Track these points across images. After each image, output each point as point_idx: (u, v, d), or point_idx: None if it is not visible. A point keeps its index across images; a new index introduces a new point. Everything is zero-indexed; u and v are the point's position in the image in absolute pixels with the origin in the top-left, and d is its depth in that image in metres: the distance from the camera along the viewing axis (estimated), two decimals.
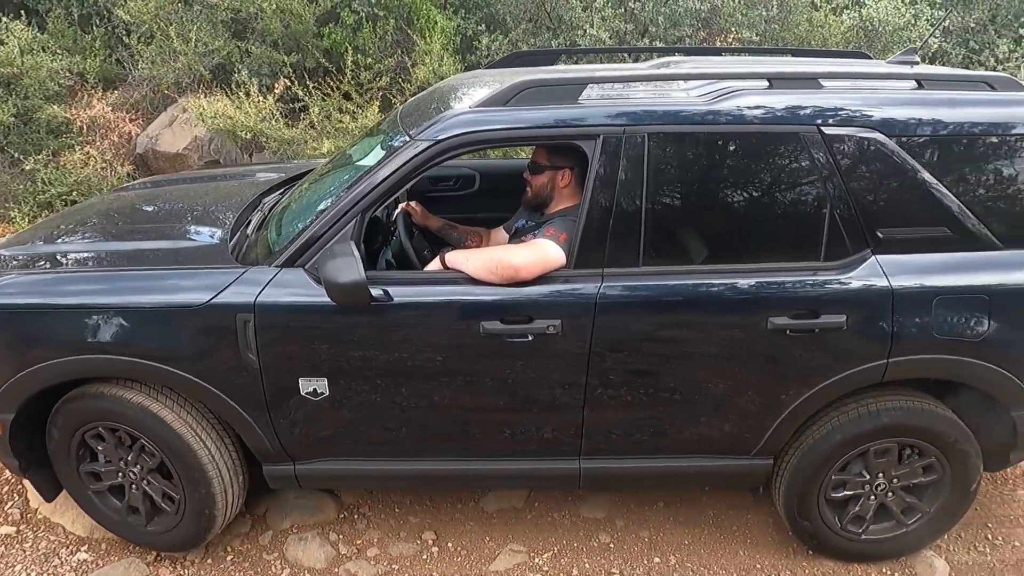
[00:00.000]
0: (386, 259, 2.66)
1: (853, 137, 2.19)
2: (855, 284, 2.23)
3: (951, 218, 2.24)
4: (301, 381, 2.30)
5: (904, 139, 2.20)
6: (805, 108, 2.20)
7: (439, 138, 2.20)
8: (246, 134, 5.01)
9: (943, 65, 5.82)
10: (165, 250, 2.51)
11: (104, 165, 5.17)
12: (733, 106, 2.19)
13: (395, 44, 6.04)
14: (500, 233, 2.96)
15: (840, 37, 5.77)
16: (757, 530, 2.84)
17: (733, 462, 2.50)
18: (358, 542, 2.77)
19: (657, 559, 2.72)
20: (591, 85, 2.31)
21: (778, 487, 2.57)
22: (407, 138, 2.27)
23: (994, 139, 2.23)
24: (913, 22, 5.66)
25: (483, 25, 6.33)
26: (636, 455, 2.49)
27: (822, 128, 2.19)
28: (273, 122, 5.07)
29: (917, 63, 2.62)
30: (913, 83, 2.32)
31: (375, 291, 2.15)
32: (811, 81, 2.26)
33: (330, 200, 2.31)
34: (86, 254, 2.61)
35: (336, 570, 2.65)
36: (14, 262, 2.53)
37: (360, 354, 2.28)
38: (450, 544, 2.77)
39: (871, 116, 2.21)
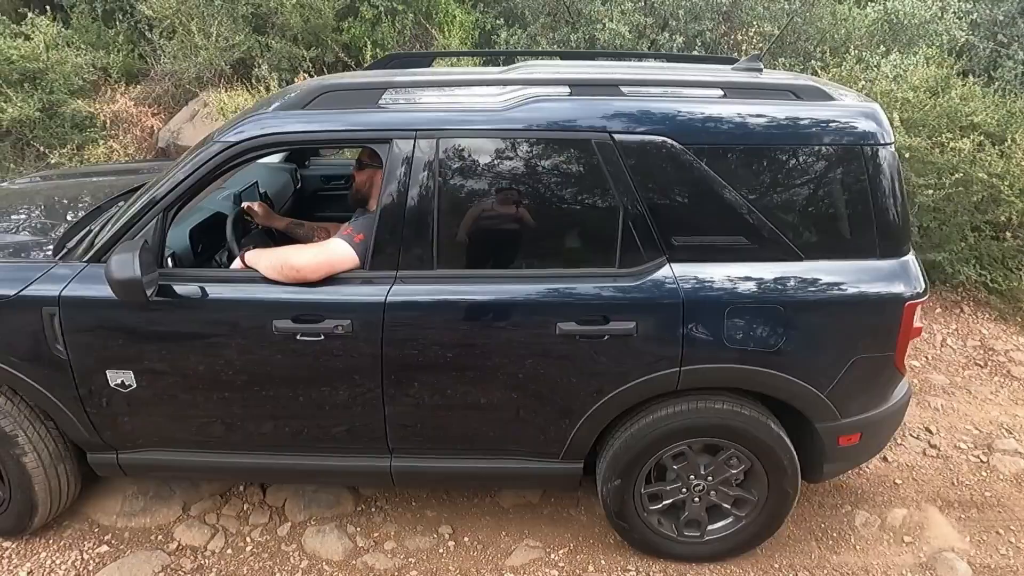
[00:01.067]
0: (216, 258, 2.72)
1: (645, 144, 2.18)
2: (645, 292, 2.22)
3: (748, 227, 2.22)
4: (109, 373, 2.35)
5: (699, 147, 2.18)
6: (599, 115, 2.20)
7: (234, 140, 2.25)
8: None
9: (968, 59, 5.70)
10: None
11: (127, 159, 5.24)
12: (527, 112, 2.20)
13: (414, 39, 6.05)
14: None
15: (864, 31, 5.69)
16: None
17: (542, 465, 2.49)
18: (375, 535, 2.79)
19: None
20: (391, 90, 2.32)
21: (602, 496, 2.53)
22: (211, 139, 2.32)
23: (793, 149, 2.20)
24: (940, 15, 5.55)
25: (502, 20, 6.32)
26: (445, 455, 2.51)
27: (614, 135, 2.18)
28: None
29: (760, 70, 2.57)
30: (719, 91, 2.29)
31: (182, 288, 2.27)
32: (612, 88, 2.28)
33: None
34: None
35: (354, 562, 2.67)
36: None
37: (160, 348, 2.33)
38: (466, 538, 2.78)
39: (665, 124, 2.19)
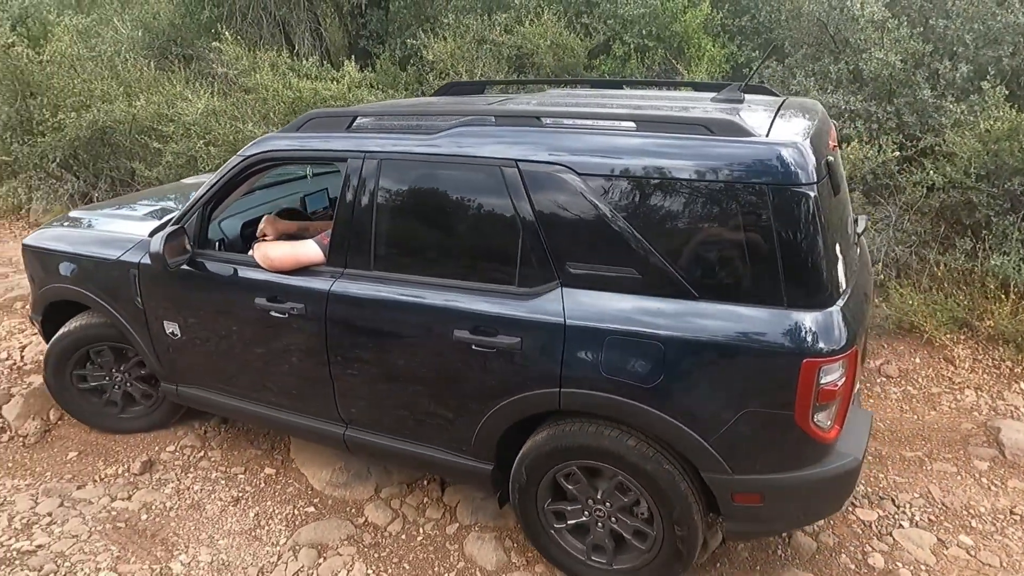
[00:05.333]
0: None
1: (544, 173, 2.31)
2: (531, 311, 2.35)
3: (640, 261, 2.23)
4: (165, 323, 3.11)
5: (595, 179, 2.25)
6: (508, 143, 2.38)
7: (249, 154, 2.87)
8: None
9: None
10: (132, 219, 3.43)
11: None
12: (449, 140, 2.48)
13: (662, 74, 6.08)
14: None
15: None
16: None
17: (457, 459, 2.70)
18: (529, 554, 2.86)
19: None
20: (360, 117, 2.76)
21: (512, 503, 2.69)
22: None
23: (691, 185, 2.15)
24: None
25: (758, 52, 6.04)
26: (382, 433, 2.83)
27: (519, 163, 2.34)
28: None
29: (741, 99, 2.58)
30: (632, 124, 2.30)
31: (209, 264, 2.95)
32: (532, 119, 2.44)
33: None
34: (93, 217, 3.59)
35: (504, 575, 2.77)
36: (66, 221, 3.65)
37: (190, 309, 3.05)
38: None
39: (567, 155, 2.30)
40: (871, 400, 3.95)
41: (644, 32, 6.00)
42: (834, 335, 2.09)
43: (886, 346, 4.33)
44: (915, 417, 3.79)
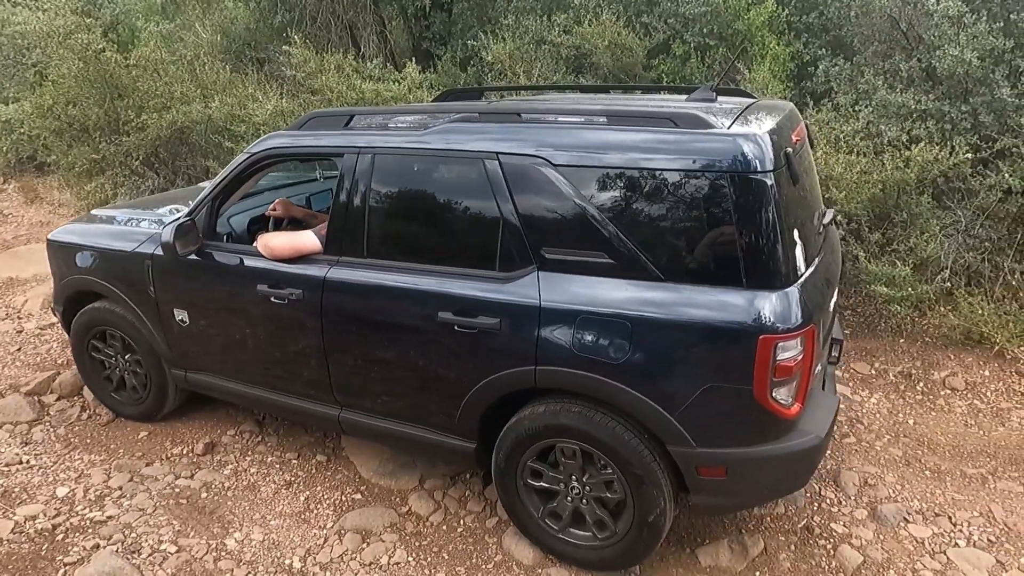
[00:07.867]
0: None
1: (522, 164, 2.46)
2: (509, 294, 2.49)
3: (608, 246, 2.37)
4: (175, 310, 3.30)
5: (568, 169, 2.40)
6: (489, 138, 2.55)
7: (254, 151, 3.06)
8: None
9: None
10: (147, 218, 3.61)
11: None
12: (436, 135, 2.64)
13: (722, 73, 5.96)
14: None
15: None
16: None
17: (441, 438, 2.84)
18: None
19: None
20: (357, 116, 2.93)
21: (494, 476, 2.80)
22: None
23: (662, 174, 2.28)
24: None
25: (826, 49, 5.84)
26: (374, 414, 2.97)
27: (500, 155, 2.50)
28: None
29: (713, 99, 2.69)
30: (603, 119, 2.48)
31: (215, 254, 3.13)
32: (513, 115, 2.64)
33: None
34: (113, 214, 3.81)
35: (540, 571, 2.81)
36: (95, 219, 3.84)
37: (198, 296, 3.23)
38: None
39: (542, 146, 2.45)
40: (932, 412, 3.78)
41: (705, 31, 5.90)
42: (791, 313, 2.21)
43: (952, 357, 4.13)
44: (980, 432, 3.61)
